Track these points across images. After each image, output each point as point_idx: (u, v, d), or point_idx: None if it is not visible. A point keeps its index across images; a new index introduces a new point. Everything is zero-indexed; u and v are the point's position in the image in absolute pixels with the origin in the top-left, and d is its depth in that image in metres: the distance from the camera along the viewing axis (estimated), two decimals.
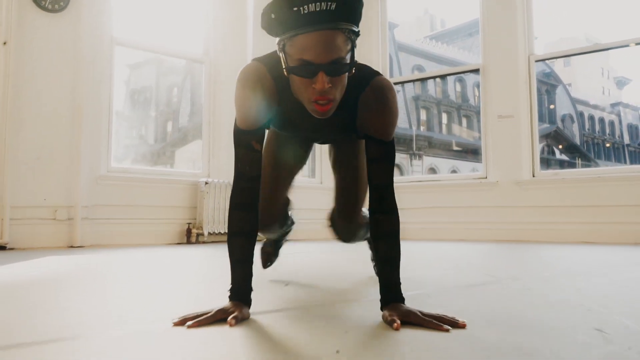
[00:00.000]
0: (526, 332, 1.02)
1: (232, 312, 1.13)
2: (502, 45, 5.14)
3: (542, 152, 31.40)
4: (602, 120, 36.99)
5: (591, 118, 36.34)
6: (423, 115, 30.15)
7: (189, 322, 1.09)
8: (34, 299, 1.49)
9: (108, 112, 4.35)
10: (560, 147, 32.28)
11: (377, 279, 1.57)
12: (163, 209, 4.52)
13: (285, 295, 1.54)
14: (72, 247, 3.93)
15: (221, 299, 1.23)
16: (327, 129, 1.31)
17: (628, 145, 36.93)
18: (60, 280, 1.93)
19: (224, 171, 4.74)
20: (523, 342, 0.94)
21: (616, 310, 1.26)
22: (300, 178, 6.09)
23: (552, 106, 32.21)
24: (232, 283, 1.22)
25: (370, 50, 6.03)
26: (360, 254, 2.69)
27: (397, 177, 6.81)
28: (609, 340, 0.97)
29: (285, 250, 2.70)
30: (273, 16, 1.06)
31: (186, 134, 24.96)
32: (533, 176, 4.95)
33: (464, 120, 30.93)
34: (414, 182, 5.80)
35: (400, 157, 27.50)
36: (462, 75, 27.50)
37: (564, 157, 32.32)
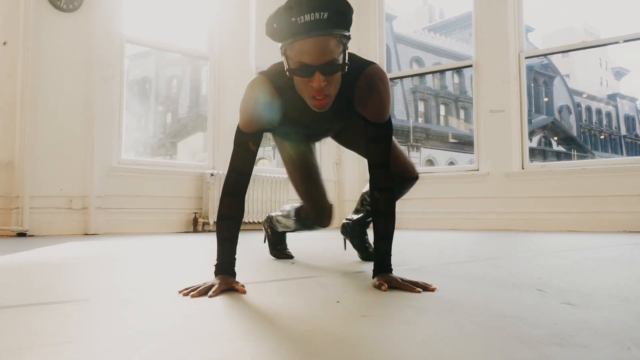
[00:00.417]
0: (483, 292, 1.29)
1: (213, 286, 1.29)
2: (493, 43, 5.37)
3: (539, 143, 31.66)
4: (599, 111, 37.20)
5: (588, 109, 36.54)
6: (421, 107, 30.32)
7: (185, 291, 1.29)
8: (55, 274, 1.75)
9: (119, 106, 4.58)
10: (556, 138, 32.50)
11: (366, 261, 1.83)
12: (171, 199, 4.77)
13: (292, 269, 1.80)
14: (86, 234, 4.19)
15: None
16: (331, 118, 1.51)
17: (625, 136, 37.17)
18: (78, 261, 2.19)
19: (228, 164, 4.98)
20: (479, 298, 1.20)
21: (561, 277, 1.52)
22: None
23: (546, 99, 32.39)
24: (217, 259, 1.40)
25: (367, 44, 6.25)
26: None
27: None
28: (542, 295, 1.23)
29: (294, 235, 2.97)
30: (275, 26, 1.25)
31: (186, 126, 25.11)
32: (522, 168, 5.21)
33: (462, 112, 31.12)
34: None
35: None
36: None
37: (561, 148, 32.57)
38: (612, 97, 38.32)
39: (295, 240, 3.17)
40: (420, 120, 30.08)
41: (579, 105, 35.81)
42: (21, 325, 0.96)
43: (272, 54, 1.75)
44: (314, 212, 1.90)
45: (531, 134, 30.73)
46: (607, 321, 0.94)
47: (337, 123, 1.61)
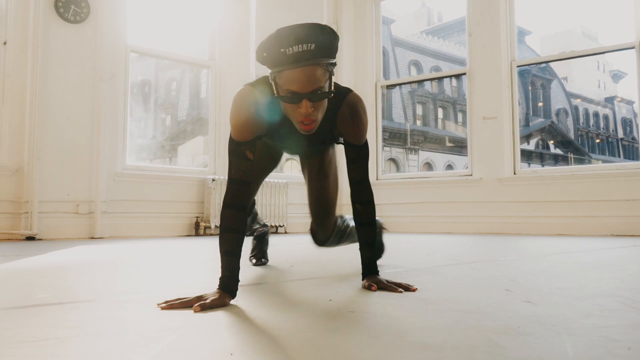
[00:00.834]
0: (457, 292, 1.45)
1: (206, 300, 1.27)
2: (486, 52, 5.55)
3: (537, 146, 31.84)
4: (596, 114, 37.40)
5: (586, 112, 36.75)
6: (419, 110, 30.51)
7: (163, 304, 1.26)
8: (64, 277, 1.91)
9: (123, 113, 4.75)
10: (552, 142, 32.70)
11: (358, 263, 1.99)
12: (173, 203, 4.93)
13: (293, 271, 1.96)
14: (92, 238, 4.35)
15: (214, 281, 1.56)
16: (311, 139, 1.61)
17: (622, 139, 37.37)
18: (88, 264, 2.35)
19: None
20: (452, 297, 1.37)
21: (531, 279, 1.69)
22: (298, 174, 6.50)
23: (541, 104, 32.58)
24: (221, 273, 1.37)
25: (364, 50, 6.43)
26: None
27: (389, 174, 7.24)
28: (507, 294, 1.40)
29: (291, 240, 3.13)
30: (265, 54, 1.31)
31: (185, 129, 25.24)
32: (514, 173, 5.38)
33: (460, 115, 31.31)
34: (405, 178, 6.23)
35: (396, 152, 27.88)
36: (457, 69, 27.75)
37: (558, 151, 32.77)
38: (610, 100, 38.53)
39: (295, 244, 3.34)
40: (418, 123, 30.25)
41: (576, 108, 36.02)
42: (53, 321, 1.12)
43: None
44: (312, 224, 1.92)
45: (529, 136, 30.94)
46: (553, 315, 1.11)
47: (313, 144, 1.68)
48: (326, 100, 1.39)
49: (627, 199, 4.66)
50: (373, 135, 6.28)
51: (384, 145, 6.97)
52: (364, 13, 6.49)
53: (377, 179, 6.06)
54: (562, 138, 33.40)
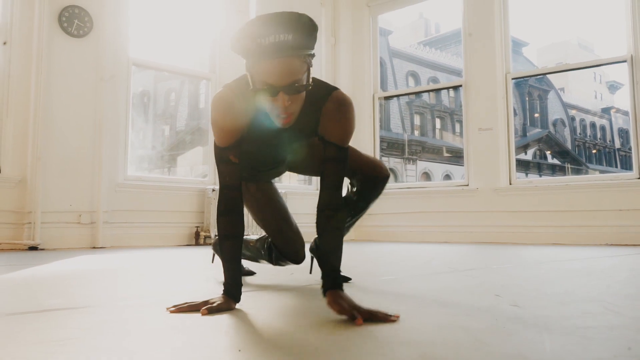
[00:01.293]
0: (450, 297, 1.52)
1: (212, 304, 1.32)
2: (482, 65, 5.66)
3: (534, 156, 32.01)
4: (593, 124, 37.64)
5: (582, 122, 36.98)
6: (417, 120, 30.69)
7: (172, 308, 1.32)
8: (73, 284, 1.99)
9: (125, 125, 4.84)
10: (550, 152, 32.88)
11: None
12: (174, 213, 5.00)
13: (292, 278, 2.03)
14: (94, 247, 4.42)
15: (213, 286, 1.65)
16: (294, 134, 1.50)
17: (619, 149, 37.58)
18: (94, 273, 2.42)
19: None
20: (444, 301, 1.44)
21: (521, 285, 1.76)
22: (297, 184, 6.59)
23: (537, 115, 32.79)
24: (224, 279, 1.41)
25: (362, 61, 6.54)
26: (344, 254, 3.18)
27: (388, 184, 7.30)
28: (497, 299, 1.47)
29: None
30: (239, 44, 1.25)
31: (184, 140, 25.34)
32: (510, 184, 5.46)
33: (457, 126, 31.48)
34: (403, 188, 6.31)
35: (394, 162, 28.01)
36: (454, 80, 27.95)
37: (556, 161, 32.94)
38: (606, 111, 38.78)
39: None
40: (416, 133, 30.41)
41: (573, 118, 36.25)
42: (69, 323, 1.19)
43: None
44: (288, 248, 1.87)
45: (526, 147, 31.11)
46: (537, 317, 1.19)
47: (299, 140, 1.58)
48: (304, 93, 1.31)
49: (621, 209, 4.74)
50: (371, 146, 6.37)
51: (382, 156, 7.05)
52: (361, 26, 6.61)
53: None
54: (559, 148, 33.58)
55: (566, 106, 35.85)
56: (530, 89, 32.49)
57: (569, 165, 32.75)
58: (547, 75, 35.38)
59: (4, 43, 4.26)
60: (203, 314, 1.27)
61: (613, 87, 43.68)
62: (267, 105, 1.28)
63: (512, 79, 5.64)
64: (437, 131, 31.30)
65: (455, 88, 6.60)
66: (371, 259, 3.27)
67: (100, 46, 4.64)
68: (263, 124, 1.43)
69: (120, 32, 4.81)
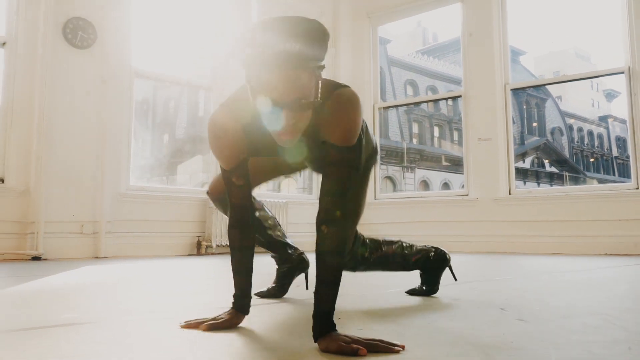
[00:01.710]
0: (454, 311, 1.55)
1: (217, 321, 1.32)
2: (481, 75, 5.71)
3: (532, 164, 32.11)
4: (590, 133, 37.82)
5: (580, 131, 37.15)
6: (415, 128, 30.80)
7: (183, 324, 1.33)
8: (82, 296, 2.01)
9: (128, 135, 4.87)
10: (548, 160, 33.01)
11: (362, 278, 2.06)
12: (175, 223, 5.03)
13: (297, 291, 2.06)
14: (97, 257, 4.43)
15: (218, 300, 1.68)
16: (300, 149, 1.39)
17: (616, 157, 37.74)
18: (100, 285, 2.45)
19: None
20: (448, 316, 1.47)
21: (523, 298, 1.79)
22: (297, 194, 6.62)
23: (535, 124, 32.96)
24: (234, 291, 1.40)
25: (362, 70, 6.59)
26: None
27: (386, 194, 7.35)
28: (502, 313, 1.51)
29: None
30: (239, 52, 1.12)
31: (183, 148, 25.38)
32: (509, 194, 5.50)
33: (455, 134, 31.59)
34: (402, 198, 6.35)
35: (392, 170, 28.08)
36: (452, 88, 28.10)
37: (554, 169, 33.05)
38: (604, 119, 38.98)
39: None
40: (414, 141, 30.51)
41: (571, 127, 36.41)
42: (86, 338, 1.22)
43: None
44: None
45: (524, 155, 31.23)
46: (543, 332, 1.22)
47: (307, 154, 1.44)
48: (310, 110, 1.14)
49: (619, 218, 4.78)
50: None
51: (381, 164, 7.10)
52: (361, 36, 6.67)
53: (374, 199, 6.17)
54: (557, 157, 33.72)
55: (564, 114, 36.03)
56: (528, 98, 32.66)
57: (566, 174, 32.86)
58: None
59: (3, 44, 4.30)
60: (203, 330, 1.27)
61: (610, 95, 43.95)
62: (268, 123, 1.13)
63: (511, 89, 5.69)
64: (436, 139, 31.41)
65: (455, 98, 6.64)
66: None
67: (104, 57, 4.68)
68: (265, 140, 1.33)
69: (123, 43, 4.85)
